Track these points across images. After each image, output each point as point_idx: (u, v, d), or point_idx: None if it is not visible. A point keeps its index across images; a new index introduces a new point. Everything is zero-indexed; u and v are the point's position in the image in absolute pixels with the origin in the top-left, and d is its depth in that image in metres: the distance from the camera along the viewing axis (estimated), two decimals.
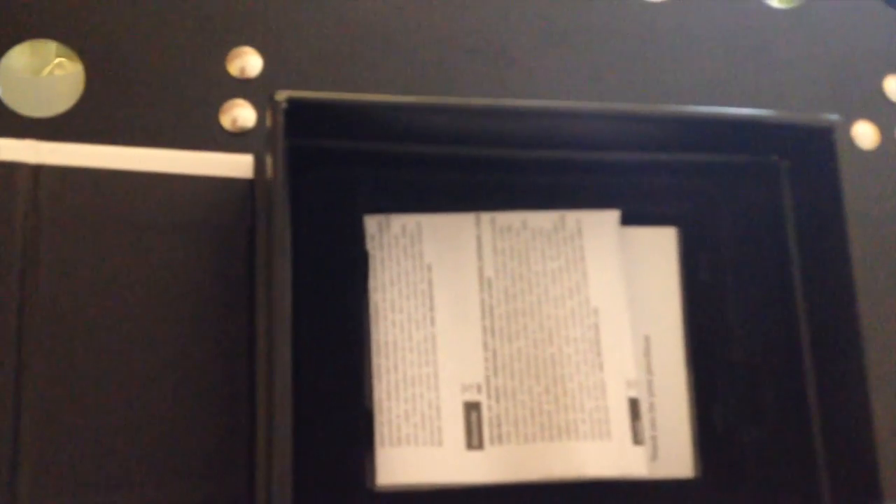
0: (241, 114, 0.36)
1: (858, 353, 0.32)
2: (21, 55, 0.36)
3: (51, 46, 0.36)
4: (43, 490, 0.30)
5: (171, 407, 0.31)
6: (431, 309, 0.34)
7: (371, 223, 0.34)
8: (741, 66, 0.41)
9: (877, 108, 0.42)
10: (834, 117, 0.34)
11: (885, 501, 0.31)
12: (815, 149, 0.34)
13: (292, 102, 0.29)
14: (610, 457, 0.33)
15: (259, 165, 0.33)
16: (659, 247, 0.36)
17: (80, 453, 0.30)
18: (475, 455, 0.33)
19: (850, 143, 0.41)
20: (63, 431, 0.30)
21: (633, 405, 0.34)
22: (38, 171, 0.32)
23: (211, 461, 0.31)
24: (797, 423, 0.34)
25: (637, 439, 0.34)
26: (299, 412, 0.29)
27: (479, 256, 0.34)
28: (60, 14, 0.36)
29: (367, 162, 0.33)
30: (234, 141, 0.36)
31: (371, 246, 0.34)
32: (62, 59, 0.36)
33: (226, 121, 0.36)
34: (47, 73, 0.36)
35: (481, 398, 0.33)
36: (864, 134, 0.41)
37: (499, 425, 0.33)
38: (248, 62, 0.37)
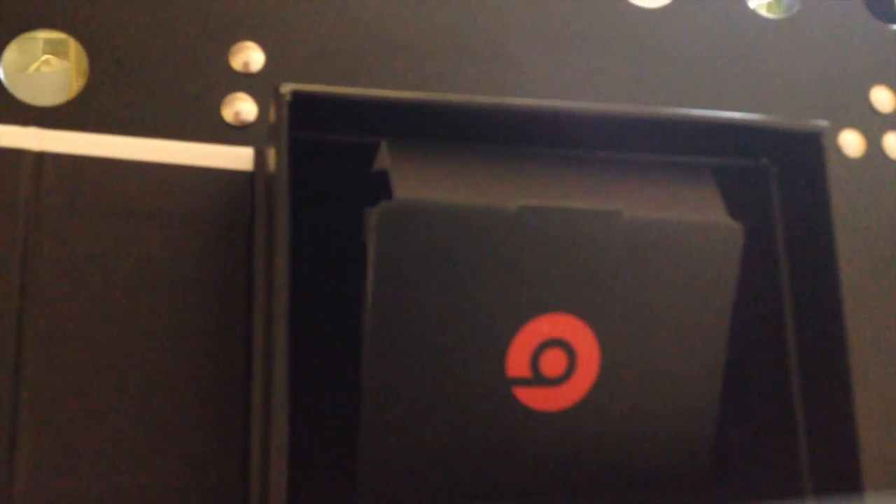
0: (242, 107, 0.37)
1: (843, 354, 0.33)
2: (11, 50, 0.36)
3: (37, 43, 0.36)
4: (40, 472, 0.30)
5: (167, 394, 0.32)
6: None
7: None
8: (732, 73, 0.42)
9: (863, 118, 0.43)
10: (823, 123, 0.35)
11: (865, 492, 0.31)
12: (804, 153, 0.35)
13: (297, 96, 0.30)
14: None
15: (259, 158, 0.34)
16: None
17: (76, 437, 0.30)
18: None
19: (838, 150, 0.42)
20: (60, 415, 0.31)
21: None
22: (41, 159, 0.32)
23: (206, 447, 0.31)
24: (782, 422, 0.35)
25: None
26: (295, 405, 0.29)
27: None
28: (65, 4, 0.36)
29: (370, 157, 0.34)
30: (235, 134, 0.36)
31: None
32: (49, 57, 0.37)
33: (227, 114, 0.36)
34: (34, 70, 0.37)
35: None
36: (851, 142, 0.42)
37: None
38: (251, 57, 0.37)
